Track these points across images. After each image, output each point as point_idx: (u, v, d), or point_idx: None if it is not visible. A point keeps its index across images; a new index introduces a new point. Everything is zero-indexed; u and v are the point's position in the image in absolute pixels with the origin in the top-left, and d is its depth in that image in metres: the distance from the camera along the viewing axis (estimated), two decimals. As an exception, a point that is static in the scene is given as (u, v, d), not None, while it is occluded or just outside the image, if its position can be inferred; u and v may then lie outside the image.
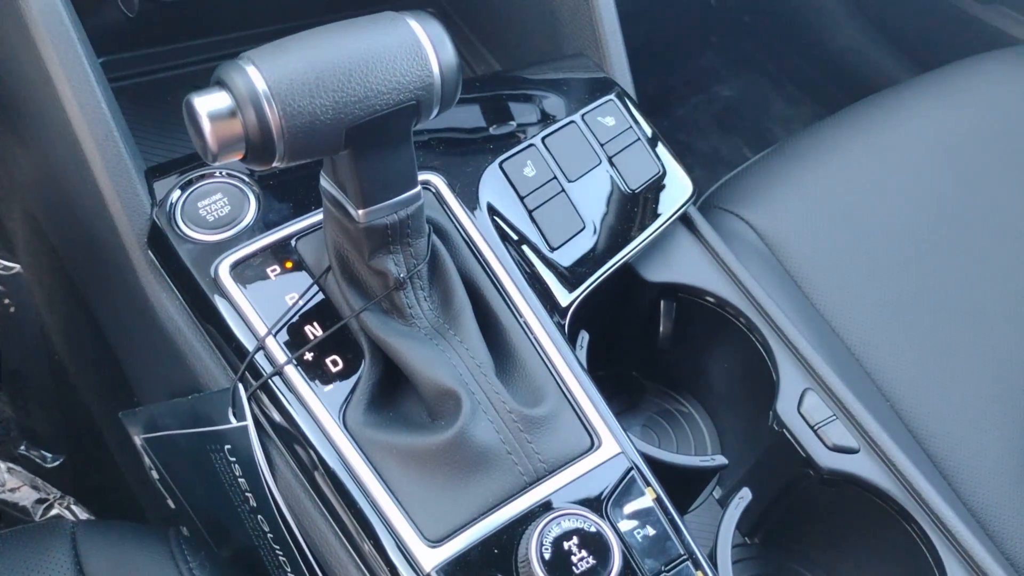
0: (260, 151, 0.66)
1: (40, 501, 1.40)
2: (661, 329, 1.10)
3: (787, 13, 2.31)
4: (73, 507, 1.41)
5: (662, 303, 1.09)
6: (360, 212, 0.75)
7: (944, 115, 1.42)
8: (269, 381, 0.81)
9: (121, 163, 0.90)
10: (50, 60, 0.90)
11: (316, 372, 0.81)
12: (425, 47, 0.70)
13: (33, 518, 1.38)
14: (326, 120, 0.67)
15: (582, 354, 0.95)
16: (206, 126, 0.65)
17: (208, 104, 0.65)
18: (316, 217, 0.88)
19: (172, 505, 1.06)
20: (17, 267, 1.40)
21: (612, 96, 1.09)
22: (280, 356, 0.81)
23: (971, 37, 1.94)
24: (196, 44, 1.36)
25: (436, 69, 0.70)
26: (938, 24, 2.04)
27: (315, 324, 0.83)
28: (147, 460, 1.04)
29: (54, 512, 1.39)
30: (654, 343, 1.12)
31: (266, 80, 0.65)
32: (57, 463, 1.48)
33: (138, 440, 1.03)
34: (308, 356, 0.81)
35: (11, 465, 1.41)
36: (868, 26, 2.22)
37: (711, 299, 1.06)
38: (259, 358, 0.82)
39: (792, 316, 1.06)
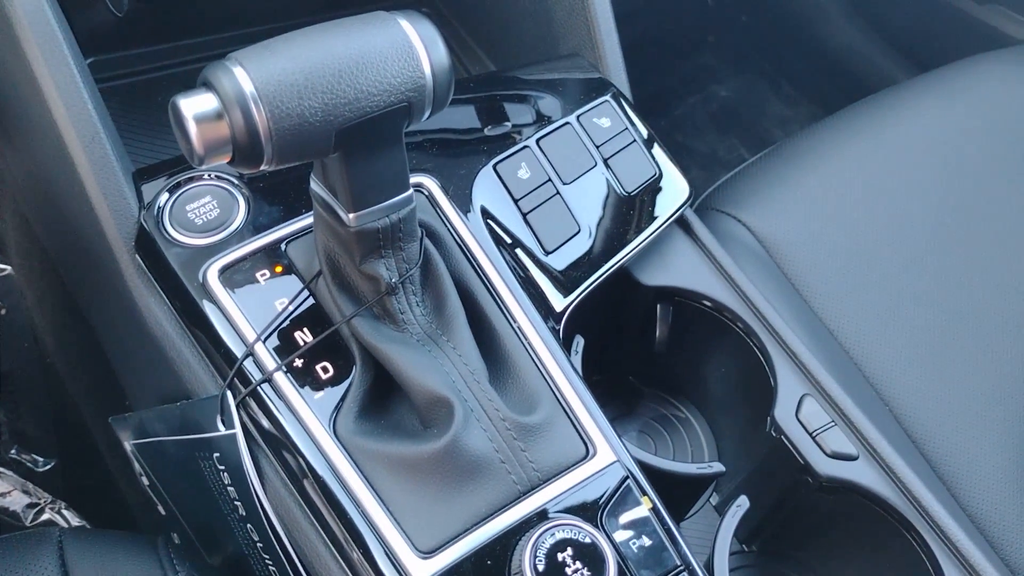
0: (248, 154, 0.65)
1: (31, 506, 1.38)
2: (658, 333, 1.09)
3: (785, 13, 2.30)
4: (64, 512, 1.39)
5: (658, 307, 1.07)
6: (351, 216, 0.74)
7: (942, 116, 1.41)
8: (258, 388, 0.79)
9: (108, 165, 0.88)
10: (35, 61, 0.88)
11: (306, 379, 0.80)
12: (416, 48, 0.68)
13: (24, 523, 1.36)
14: (315, 122, 0.65)
15: (577, 359, 0.94)
16: (192, 129, 0.63)
17: (194, 106, 0.63)
18: (307, 220, 0.87)
19: (163, 511, 1.05)
20: (8, 269, 1.39)
21: (607, 97, 1.08)
22: (269, 363, 0.80)
23: (969, 37, 1.93)
24: (186, 44, 1.34)
25: (428, 70, 0.69)
26: (936, 24, 2.03)
27: (305, 330, 0.81)
28: (137, 466, 1.02)
29: (45, 517, 1.38)
30: (650, 348, 1.11)
31: (253, 81, 0.63)
32: (48, 467, 1.46)
33: (128, 446, 1.01)
34: (298, 362, 0.80)
35: (1, 469, 1.39)
36: (866, 26, 2.20)
37: (708, 303, 1.05)
38: (248, 364, 0.80)
39: (790, 320, 1.05)
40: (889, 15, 2.16)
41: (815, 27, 2.26)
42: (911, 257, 1.26)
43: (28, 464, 1.45)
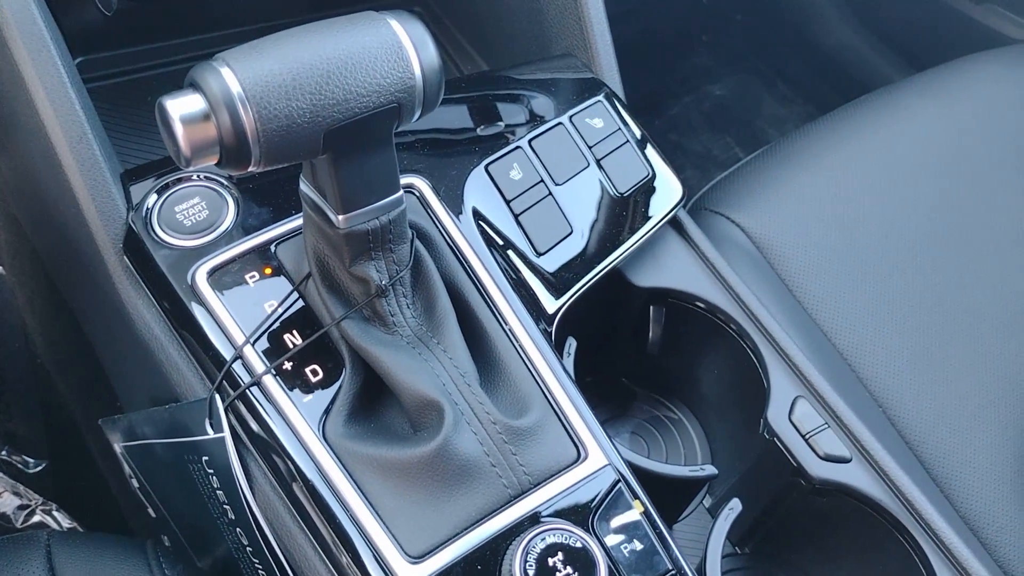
0: (235, 155, 0.64)
1: (22, 507, 1.37)
2: (650, 335, 1.09)
3: (779, 12, 2.30)
4: (55, 513, 1.38)
5: (651, 308, 1.07)
6: (340, 218, 0.73)
7: (937, 115, 1.41)
8: (247, 391, 0.79)
9: (96, 166, 0.88)
10: (22, 61, 0.88)
11: (295, 382, 0.79)
12: (406, 48, 0.68)
13: (14, 525, 1.36)
14: (303, 123, 0.65)
15: (569, 362, 0.94)
16: (179, 130, 0.63)
17: (181, 107, 0.63)
18: (296, 222, 0.86)
19: (153, 514, 1.04)
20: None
21: (600, 97, 1.08)
22: (258, 366, 0.79)
23: (964, 37, 1.93)
24: (175, 44, 1.33)
25: (418, 71, 0.68)
26: (931, 23, 2.03)
27: (295, 332, 0.81)
28: (127, 468, 1.02)
29: (36, 519, 1.37)
30: (643, 349, 1.10)
31: (241, 82, 0.63)
32: (39, 468, 1.45)
33: (118, 448, 1.01)
34: (287, 365, 0.79)
35: (-9, 471, 1.39)
36: (861, 26, 2.20)
37: (701, 304, 1.04)
38: (237, 367, 0.80)
39: (783, 322, 1.05)
40: (884, 14, 2.16)
41: (810, 26, 2.26)
42: (906, 257, 1.25)
43: (19, 466, 1.44)
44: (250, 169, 0.66)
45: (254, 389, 0.79)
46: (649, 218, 1.04)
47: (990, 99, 1.44)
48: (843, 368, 1.15)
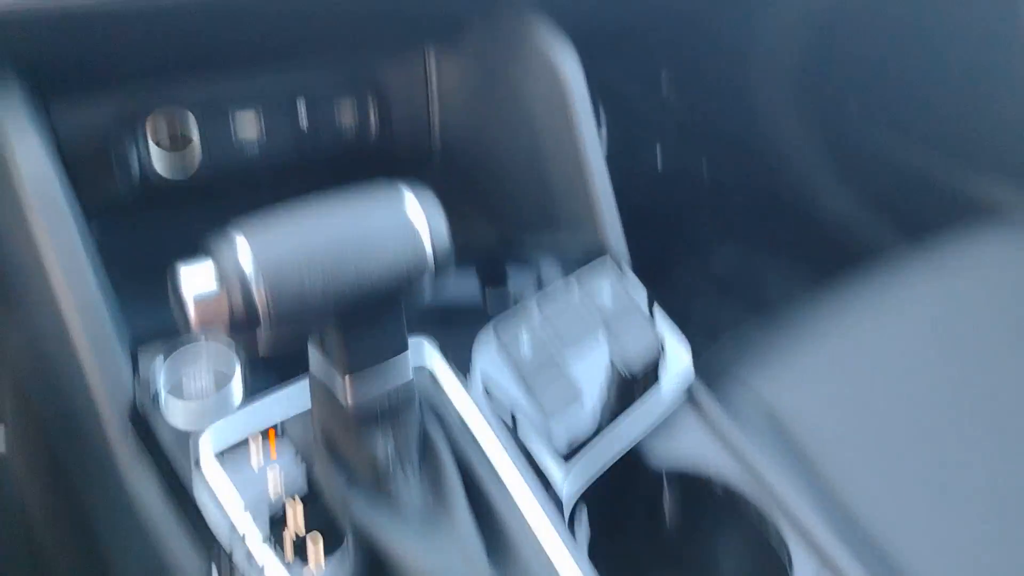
0: (244, 328, 0.65)
1: None
2: (666, 514, 1.05)
3: (778, 185, 2.36)
4: None
5: (666, 486, 1.04)
6: (348, 391, 0.73)
7: (945, 287, 1.41)
8: (247, 570, 0.76)
9: (106, 340, 0.88)
10: (38, 228, 0.89)
11: (297, 560, 0.76)
12: (419, 230, 0.69)
13: None
14: (314, 301, 0.65)
15: (582, 538, 0.90)
16: (190, 305, 0.64)
17: (194, 284, 0.64)
18: (304, 385, 0.85)
19: None
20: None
21: (607, 264, 1.09)
22: (259, 542, 0.76)
23: (964, 207, 1.96)
24: (193, 212, 1.36)
25: (429, 249, 0.69)
26: (930, 195, 2.08)
27: (299, 510, 0.78)
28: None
29: None
30: (659, 528, 1.06)
31: (255, 259, 0.64)
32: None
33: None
34: (290, 544, 0.76)
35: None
36: (857, 197, 2.25)
37: (719, 488, 1.01)
38: (237, 544, 0.77)
39: (804, 499, 1.01)
40: (882, 186, 2.22)
41: (809, 198, 2.31)
42: (928, 428, 1.23)
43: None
44: (258, 338, 0.66)
45: (255, 566, 0.76)
46: (660, 386, 1.03)
47: (990, 276, 1.45)
48: (869, 546, 1.10)
